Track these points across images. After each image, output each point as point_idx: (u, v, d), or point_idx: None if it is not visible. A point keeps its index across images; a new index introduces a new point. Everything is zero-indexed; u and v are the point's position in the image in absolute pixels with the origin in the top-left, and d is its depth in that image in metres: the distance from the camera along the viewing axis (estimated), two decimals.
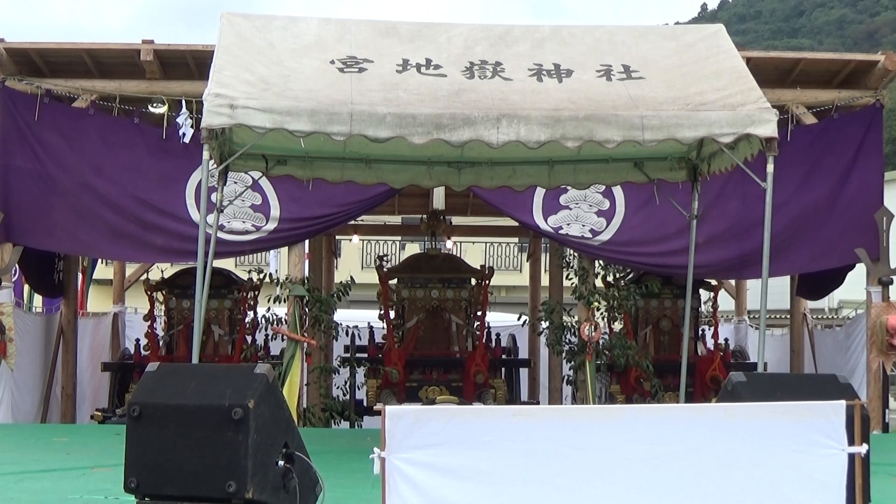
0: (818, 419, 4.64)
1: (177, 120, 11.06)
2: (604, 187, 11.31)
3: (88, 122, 11.40)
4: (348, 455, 8.26)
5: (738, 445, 4.59)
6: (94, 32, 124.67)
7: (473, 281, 13.05)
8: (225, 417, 4.80)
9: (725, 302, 15.39)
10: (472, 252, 27.25)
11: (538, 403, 14.34)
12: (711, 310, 13.52)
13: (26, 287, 14.66)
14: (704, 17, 71.45)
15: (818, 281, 13.09)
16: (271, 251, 19.05)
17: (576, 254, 12.01)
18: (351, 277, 12.30)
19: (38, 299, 15.00)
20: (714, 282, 13.57)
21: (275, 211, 11.47)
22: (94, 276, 16.41)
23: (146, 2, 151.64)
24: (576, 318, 11.69)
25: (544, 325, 12.83)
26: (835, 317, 23.44)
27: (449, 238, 17.34)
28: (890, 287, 11.22)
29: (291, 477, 4.98)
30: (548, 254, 16.54)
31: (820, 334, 14.39)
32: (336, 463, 7.50)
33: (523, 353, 15.49)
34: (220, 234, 10.46)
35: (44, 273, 12.66)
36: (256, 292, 13.14)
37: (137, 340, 13.64)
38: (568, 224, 11.67)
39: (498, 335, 13.72)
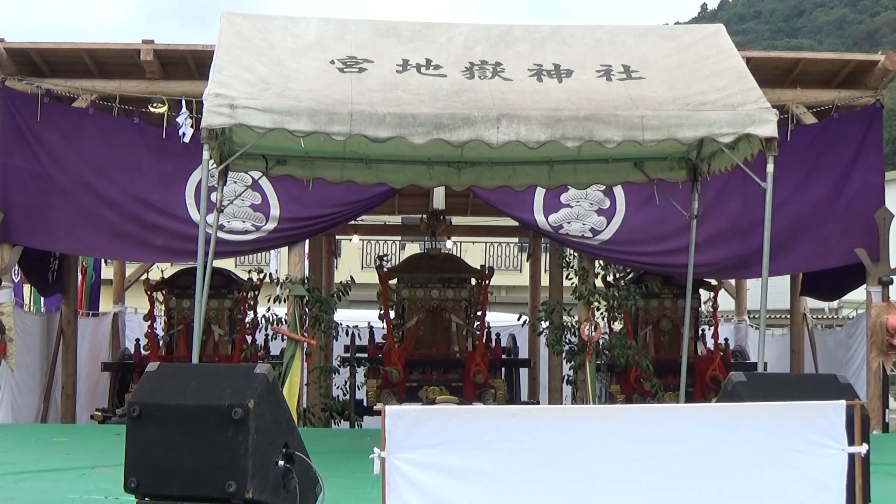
0: (818, 419, 4.64)
1: (177, 120, 11.06)
2: (605, 186, 11.31)
3: (88, 121, 11.39)
4: (348, 455, 8.25)
5: (738, 445, 4.58)
6: (91, 31, 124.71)
7: (473, 281, 13.04)
8: (225, 417, 4.80)
9: (725, 302, 15.39)
10: (472, 252, 27.26)
11: (538, 403, 14.34)
12: (711, 310, 13.52)
13: (29, 287, 14.67)
14: (704, 17, 71.47)
15: (831, 281, 13.04)
16: (271, 251, 19.05)
17: (576, 254, 12.01)
18: (351, 277, 12.30)
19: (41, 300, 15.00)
20: (714, 282, 13.56)
21: (275, 210, 11.47)
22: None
23: (143, 0, 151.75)
24: (576, 318, 11.68)
25: (544, 325, 12.82)
26: (835, 317, 23.44)
27: (449, 238, 17.34)
28: (890, 287, 11.22)
29: (291, 477, 4.97)
30: (548, 254, 16.53)
31: (820, 334, 14.38)
32: (336, 463, 7.49)
33: (523, 353, 15.49)
34: (220, 234, 10.46)
35: (38, 271, 12.64)
36: (256, 292, 13.14)
37: (137, 340, 13.63)
38: (568, 222, 11.67)
39: (498, 335, 13.72)
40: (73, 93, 11.41)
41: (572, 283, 11.87)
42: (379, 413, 4.44)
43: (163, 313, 13.16)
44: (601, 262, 12.09)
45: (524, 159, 9.39)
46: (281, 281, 11.43)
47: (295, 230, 11.67)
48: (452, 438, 4.44)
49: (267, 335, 12.76)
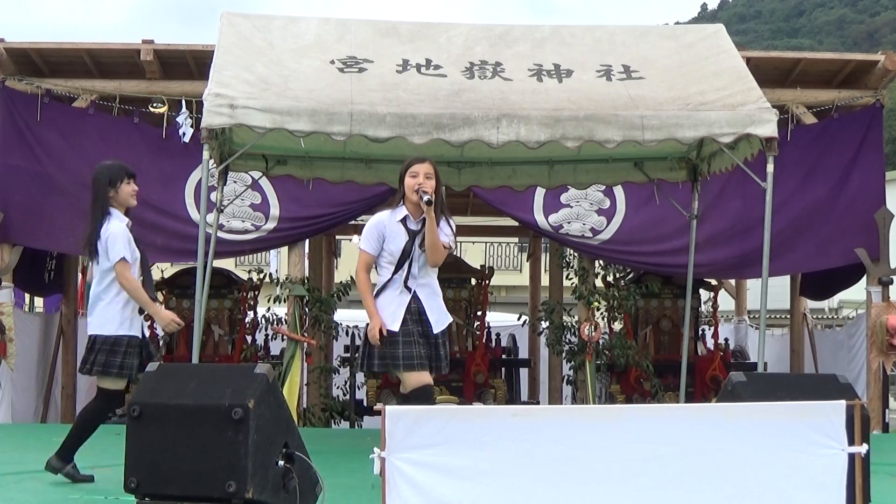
0: (818, 419, 4.63)
1: (177, 120, 11.05)
2: (605, 186, 11.31)
3: (88, 121, 11.39)
4: (348, 455, 8.24)
5: (738, 445, 4.58)
6: (89, 31, 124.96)
7: (473, 281, 13.04)
8: (225, 417, 4.79)
9: (725, 302, 15.38)
10: (472, 252, 27.25)
11: (538, 403, 14.34)
12: (711, 310, 13.52)
13: None
14: (704, 17, 71.49)
15: (824, 281, 13.05)
16: (271, 251, 19.04)
17: (576, 254, 12.01)
18: (351, 277, 12.24)
19: (38, 300, 14.95)
20: (714, 282, 13.56)
21: (274, 210, 11.47)
22: None
23: (142, 0, 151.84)
24: (576, 318, 11.68)
25: (544, 325, 12.82)
26: (835, 317, 23.45)
27: None
28: (890, 287, 11.22)
29: (291, 477, 4.97)
30: (548, 254, 16.53)
31: (820, 334, 14.37)
32: (336, 463, 7.49)
33: (523, 353, 15.48)
34: (220, 234, 10.46)
35: (33, 271, 12.61)
36: (256, 292, 13.13)
37: None
38: (569, 222, 11.67)
39: (498, 335, 13.71)
40: (73, 93, 11.41)
41: (572, 283, 11.87)
42: (379, 413, 4.44)
43: None
44: (601, 262, 12.09)
45: (524, 159, 9.39)
46: (281, 281, 11.43)
47: (295, 230, 11.66)
48: (452, 438, 4.44)
49: (267, 335, 12.75)
